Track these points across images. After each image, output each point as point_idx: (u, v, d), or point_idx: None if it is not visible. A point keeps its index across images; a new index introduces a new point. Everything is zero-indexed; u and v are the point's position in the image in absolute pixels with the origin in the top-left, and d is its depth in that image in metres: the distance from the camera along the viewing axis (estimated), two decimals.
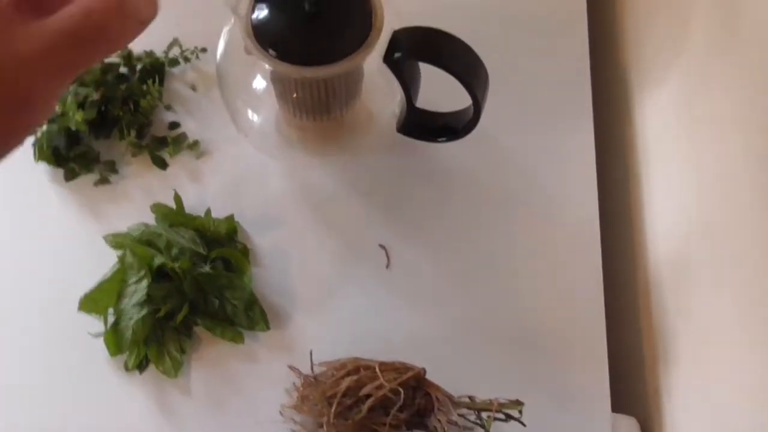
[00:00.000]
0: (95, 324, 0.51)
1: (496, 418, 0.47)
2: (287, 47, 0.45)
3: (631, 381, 0.56)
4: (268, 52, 0.45)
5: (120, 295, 0.49)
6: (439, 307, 0.54)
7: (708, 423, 0.48)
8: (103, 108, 0.57)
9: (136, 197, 0.57)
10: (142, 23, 0.27)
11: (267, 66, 0.45)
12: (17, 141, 0.27)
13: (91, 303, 0.48)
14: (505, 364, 0.52)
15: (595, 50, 0.64)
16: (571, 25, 0.65)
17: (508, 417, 0.47)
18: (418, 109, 0.52)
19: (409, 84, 0.50)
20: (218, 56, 0.51)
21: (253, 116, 0.54)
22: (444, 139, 0.54)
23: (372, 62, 0.47)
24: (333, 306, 0.54)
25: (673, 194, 0.55)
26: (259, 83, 0.51)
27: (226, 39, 0.51)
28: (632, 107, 0.62)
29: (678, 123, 0.55)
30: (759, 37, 0.43)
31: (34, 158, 0.57)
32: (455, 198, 0.58)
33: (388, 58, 0.47)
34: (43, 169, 0.58)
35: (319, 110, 0.51)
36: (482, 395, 0.48)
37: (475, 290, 0.54)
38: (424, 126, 0.54)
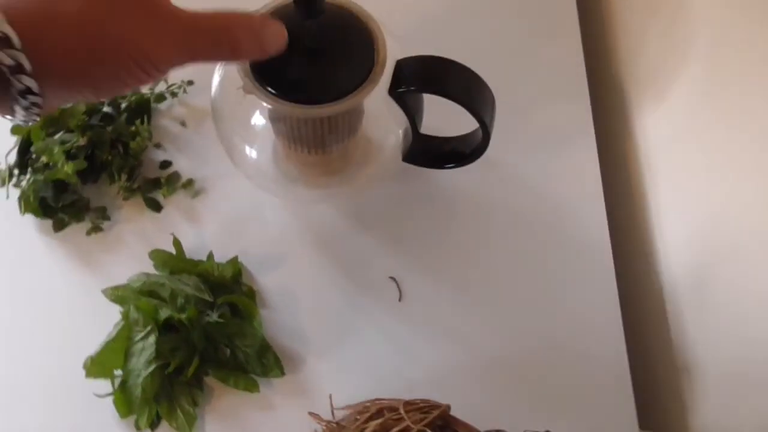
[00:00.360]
0: (101, 384, 0.48)
1: None
2: (288, 85, 0.43)
3: (654, 396, 0.56)
4: (267, 90, 0.43)
5: (127, 354, 0.46)
6: (455, 337, 0.52)
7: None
8: (89, 152, 0.54)
9: (132, 244, 0.55)
10: (264, 53, 0.35)
11: (267, 105, 0.44)
12: (121, 90, 0.30)
13: (98, 367, 0.46)
14: (527, 391, 0.51)
15: (591, 65, 0.64)
16: (565, 42, 0.65)
17: None
18: (423, 136, 0.51)
19: (413, 113, 0.48)
20: (213, 92, 0.49)
21: (251, 152, 0.52)
22: (452, 165, 0.52)
23: (374, 94, 0.45)
24: (347, 345, 0.52)
25: (682, 205, 0.54)
26: (258, 119, 0.49)
27: (220, 74, 0.48)
28: (632, 120, 0.61)
29: (682, 133, 0.55)
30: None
31: (20, 211, 0.54)
32: (462, 223, 0.57)
33: (393, 92, 0.45)
34: (29, 221, 0.55)
35: (320, 145, 0.49)
36: (508, 426, 0.47)
37: (490, 316, 0.53)
38: (430, 153, 0.52)
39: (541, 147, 0.60)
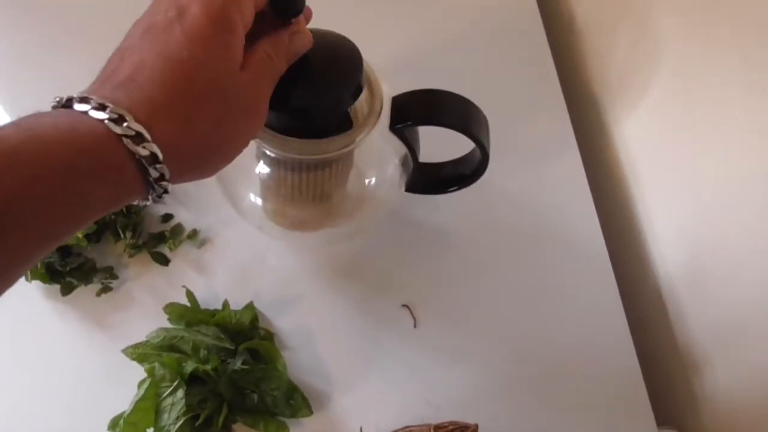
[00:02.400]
0: None
1: None
2: (291, 127, 0.43)
3: (667, 393, 0.58)
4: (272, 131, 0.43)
5: (157, 411, 0.46)
6: (472, 356, 0.54)
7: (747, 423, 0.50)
8: None
9: (144, 300, 0.55)
10: (296, 57, 0.38)
11: (271, 151, 0.44)
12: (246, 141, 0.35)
13: (130, 428, 0.45)
14: (546, 402, 0.53)
15: (565, 80, 0.67)
16: (537, 61, 0.68)
17: None
18: (423, 164, 0.52)
19: (412, 144, 0.50)
20: None
21: (255, 199, 0.53)
22: (455, 188, 0.54)
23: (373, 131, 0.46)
24: (369, 376, 0.53)
25: (669, 204, 0.57)
26: (262, 168, 0.50)
27: None
28: (611, 127, 0.64)
29: (660, 135, 0.58)
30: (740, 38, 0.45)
31: (26, 278, 0.53)
32: (464, 244, 0.58)
33: (393, 128, 0.47)
34: (36, 287, 0.54)
35: (317, 195, 0.49)
36: None
37: (502, 332, 0.55)
38: (432, 180, 0.54)
39: (529, 164, 0.62)
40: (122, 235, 0.55)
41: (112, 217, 0.55)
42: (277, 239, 0.56)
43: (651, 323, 0.59)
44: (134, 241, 0.55)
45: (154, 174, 0.30)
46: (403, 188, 0.53)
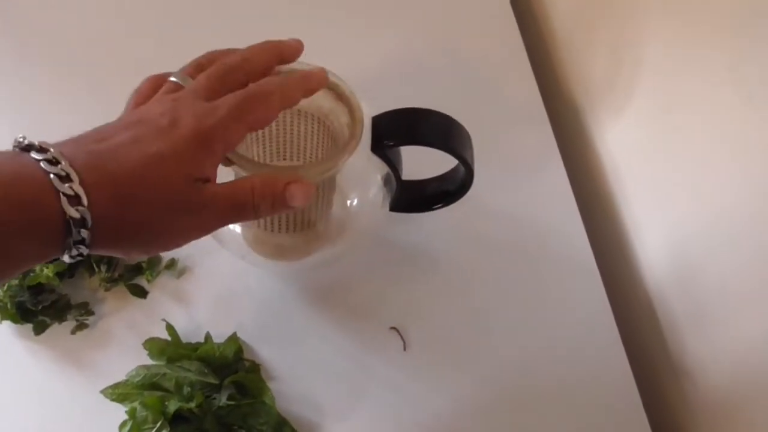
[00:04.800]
0: None
1: None
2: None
3: (661, 400, 0.57)
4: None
5: None
6: (465, 375, 0.52)
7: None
8: None
9: (122, 336, 0.52)
10: (289, 208, 0.37)
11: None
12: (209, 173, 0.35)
13: None
14: (541, 420, 0.52)
15: (546, 91, 0.66)
16: (517, 74, 0.68)
17: None
18: (406, 182, 0.51)
19: (395, 163, 0.49)
20: None
21: (235, 227, 0.51)
22: (440, 205, 0.53)
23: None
24: (361, 403, 0.51)
25: (654, 212, 0.57)
26: None
27: None
28: (593, 137, 0.64)
29: (642, 142, 0.57)
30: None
31: None
32: (451, 261, 0.57)
33: (375, 148, 0.45)
34: (7, 327, 0.52)
35: (300, 223, 0.48)
36: None
37: (494, 349, 0.54)
38: (416, 198, 0.53)
39: (513, 177, 0.61)
40: (97, 269, 0.53)
41: None
42: (260, 267, 0.54)
43: (642, 331, 0.59)
44: (110, 274, 0.53)
45: (76, 237, 0.30)
46: (387, 208, 0.52)
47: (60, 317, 0.52)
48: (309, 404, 0.51)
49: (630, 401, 0.52)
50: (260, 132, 0.48)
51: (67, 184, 0.29)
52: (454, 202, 0.53)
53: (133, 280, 0.54)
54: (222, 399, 0.48)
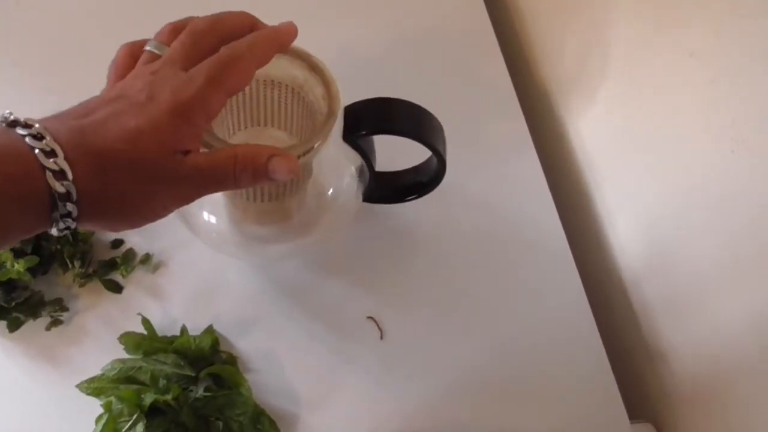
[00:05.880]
0: None
1: None
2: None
3: (638, 385, 0.58)
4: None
5: None
6: (442, 362, 0.53)
7: (719, 415, 0.50)
8: (35, 244, 0.52)
9: (97, 331, 0.52)
10: (270, 180, 0.37)
11: None
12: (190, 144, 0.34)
13: None
14: (519, 401, 0.52)
15: (518, 81, 0.67)
16: (489, 62, 0.68)
17: None
18: (379, 173, 0.51)
19: (368, 154, 0.49)
20: None
21: (209, 218, 0.51)
22: (414, 196, 0.53)
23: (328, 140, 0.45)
24: (338, 393, 0.51)
25: (626, 199, 0.57)
26: None
27: None
28: (565, 125, 0.64)
29: (612, 130, 0.58)
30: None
31: None
32: (427, 251, 0.57)
33: (347, 137, 0.46)
34: None
35: (275, 193, 0.48)
36: None
37: (470, 335, 0.54)
38: (389, 189, 0.53)
39: (487, 166, 0.61)
40: (71, 265, 0.53)
41: (58, 246, 0.52)
42: (235, 257, 0.54)
43: (617, 316, 0.60)
44: (84, 269, 0.53)
45: (62, 210, 0.31)
46: (361, 198, 0.52)
47: (34, 314, 0.51)
48: (286, 395, 0.51)
49: (605, 386, 0.53)
50: (235, 103, 0.49)
51: (51, 159, 0.30)
52: (427, 193, 0.53)
53: (107, 276, 0.54)
54: (199, 391, 0.48)
